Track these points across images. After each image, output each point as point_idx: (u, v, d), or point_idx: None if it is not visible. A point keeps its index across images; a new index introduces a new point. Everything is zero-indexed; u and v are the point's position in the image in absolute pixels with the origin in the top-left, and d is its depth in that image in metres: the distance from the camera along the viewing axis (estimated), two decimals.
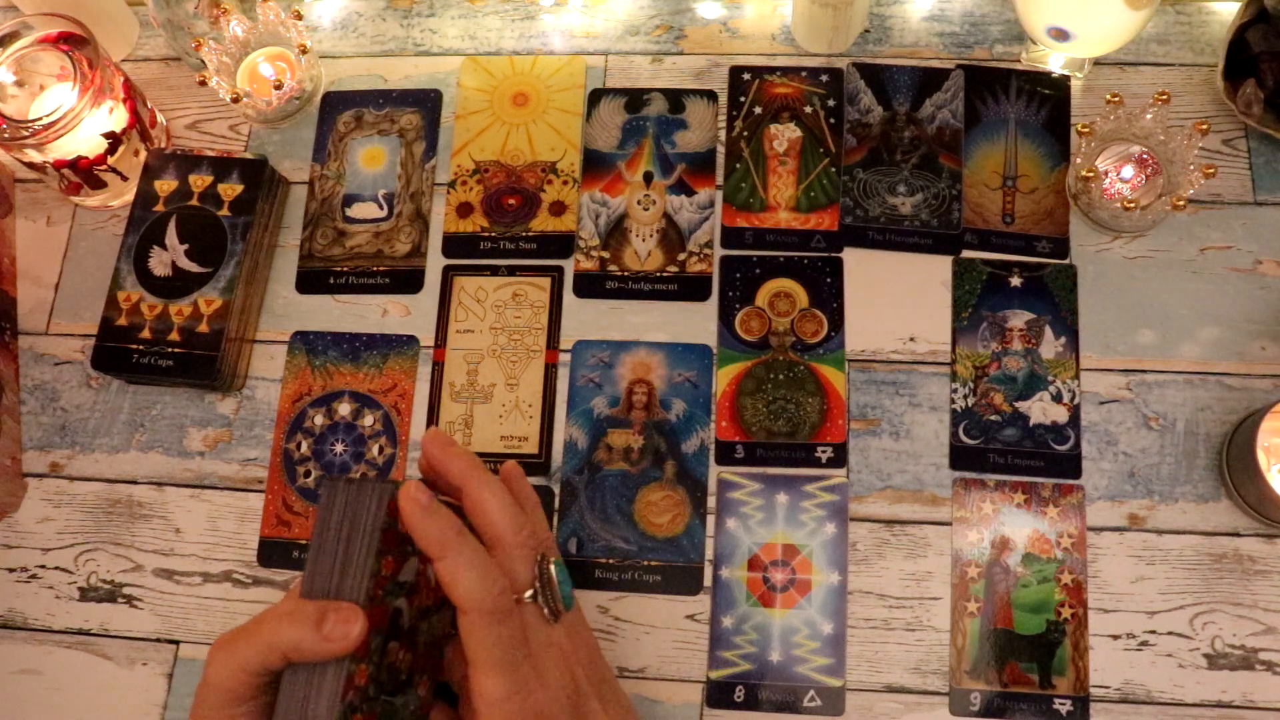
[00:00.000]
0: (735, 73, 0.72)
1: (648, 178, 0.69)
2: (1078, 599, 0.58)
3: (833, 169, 0.68)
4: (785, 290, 0.66)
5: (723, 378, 0.64)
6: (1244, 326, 0.63)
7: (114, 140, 0.67)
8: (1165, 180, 0.64)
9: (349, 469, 0.64)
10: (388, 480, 0.43)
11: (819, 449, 0.62)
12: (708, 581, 0.60)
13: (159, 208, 0.68)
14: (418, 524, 0.39)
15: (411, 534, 0.40)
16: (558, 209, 0.69)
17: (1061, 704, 0.57)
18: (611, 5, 0.74)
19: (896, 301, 0.65)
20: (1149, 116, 0.63)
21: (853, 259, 0.66)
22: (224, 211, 0.67)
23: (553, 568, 0.42)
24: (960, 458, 0.62)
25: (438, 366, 0.66)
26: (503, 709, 0.39)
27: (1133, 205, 0.61)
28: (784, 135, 0.70)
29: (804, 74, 0.71)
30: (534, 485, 0.52)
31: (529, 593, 0.42)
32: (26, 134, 0.64)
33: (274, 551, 0.63)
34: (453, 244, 0.69)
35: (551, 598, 0.42)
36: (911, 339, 0.64)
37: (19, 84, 0.68)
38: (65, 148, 0.66)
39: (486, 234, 0.69)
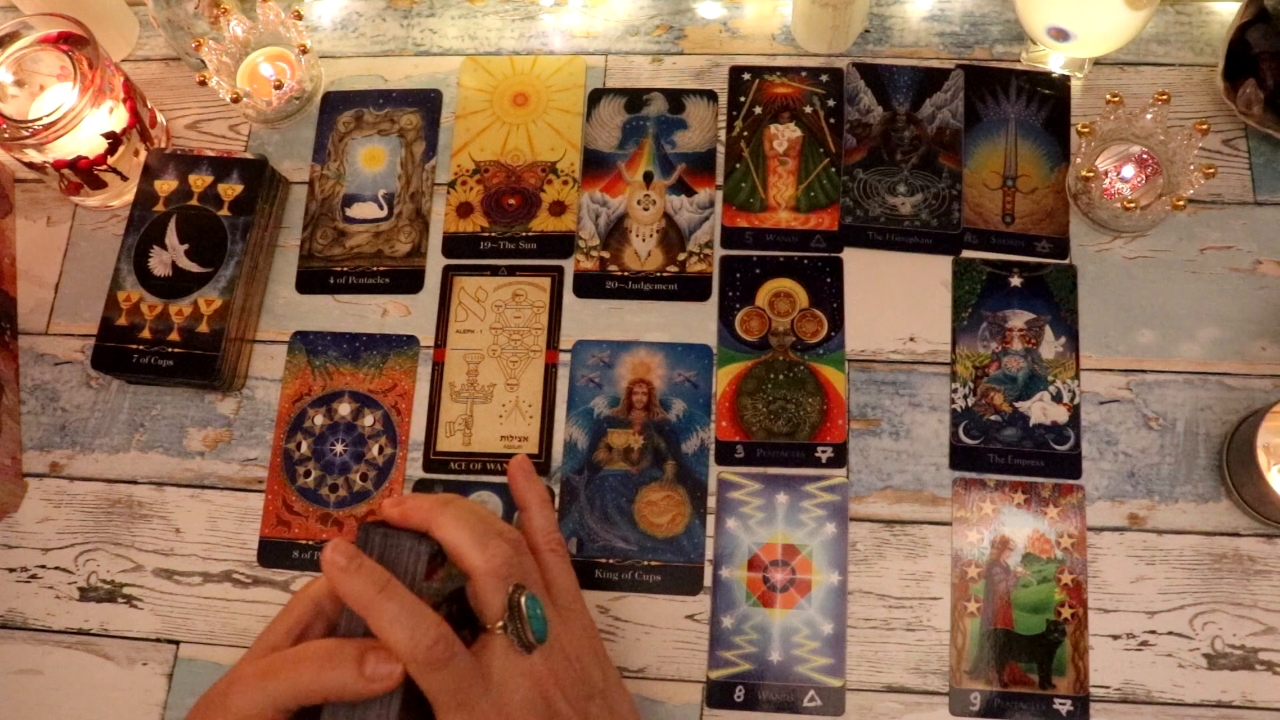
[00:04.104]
0: (735, 73, 0.72)
1: (648, 178, 0.69)
2: (1078, 599, 0.58)
3: (833, 169, 0.68)
4: (785, 290, 0.66)
5: (723, 378, 0.64)
6: (1244, 326, 0.63)
7: (114, 140, 0.67)
8: (1165, 180, 0.64)
9: (349, 469, 0.64)
10: (425, 539, 0.42)
11: (819, 449, 0.62)
12: (708, 581, 0.60)
13: (159, 208, 0.68)
14: (339, 585, 0.39)
15: (337, 593, 0.40)
16: (558, 209, 0.69)
17: (1061, 704, 0.57)
18: (611, 5, 0.74)
19: (896, 301, 0.65)
20: (1149, 116, 0.63)
21: (853, 259, 0.66)
22: (224, 211, 0.67)
23: (524, 600, 0.42)
24: (960, 458, 0.62)
25: (438, 366, 0.66)
26: None
27: (1133, 205, 0.61)
28: (784, 135, 0.70)
29: (804, 74, 0.71)
30: None
31: (499, 623, 0.42)
32: (26, 134, 0.64)
33: (274, 551, 0.63)
34: (453, 244, 0.69)
35: (521, 629, 0.42)
36: (911, 339, 0.64)
37: (19, 84, 0.68)
38: (65, 148, 0.66)
39: (486, 234, 0.69)
